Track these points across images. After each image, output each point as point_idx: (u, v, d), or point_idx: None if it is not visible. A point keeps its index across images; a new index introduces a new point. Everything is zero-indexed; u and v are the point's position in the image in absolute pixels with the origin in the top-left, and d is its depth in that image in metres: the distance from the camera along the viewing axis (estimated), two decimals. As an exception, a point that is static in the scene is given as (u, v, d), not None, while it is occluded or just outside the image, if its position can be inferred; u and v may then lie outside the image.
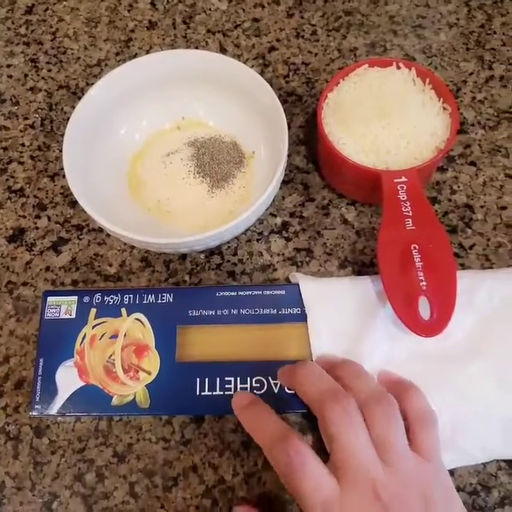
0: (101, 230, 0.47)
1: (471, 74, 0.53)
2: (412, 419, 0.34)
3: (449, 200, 0.48)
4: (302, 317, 0.40)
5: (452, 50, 0.55)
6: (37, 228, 0.48)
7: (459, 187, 0.48)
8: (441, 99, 0.44)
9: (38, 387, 0.39)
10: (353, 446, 0.31)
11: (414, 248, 0.38)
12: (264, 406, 0.35)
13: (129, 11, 0.60)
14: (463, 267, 0.45)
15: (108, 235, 0.47)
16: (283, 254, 0.46)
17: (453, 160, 0.49)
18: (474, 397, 0.38)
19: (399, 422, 0.33)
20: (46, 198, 0.50)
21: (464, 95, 0.52)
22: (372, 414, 0.32)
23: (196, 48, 0.57)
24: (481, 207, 0.47)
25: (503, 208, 0.47)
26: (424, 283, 0.37)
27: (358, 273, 0.45)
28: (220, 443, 0.40)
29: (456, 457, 0.37)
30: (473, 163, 0.49)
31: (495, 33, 0.56)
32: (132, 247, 0.47)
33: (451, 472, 0.38)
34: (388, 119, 0.43)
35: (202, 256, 0.46)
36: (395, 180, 0.41)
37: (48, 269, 0.46)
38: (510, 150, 0.49)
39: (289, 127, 0.42)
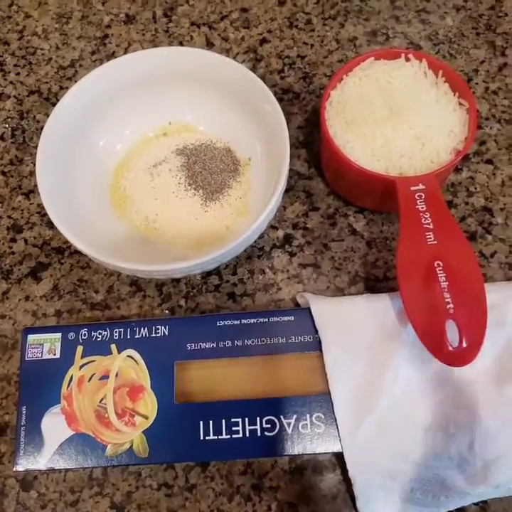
0: (84, 252, 0.43)
1: (483, 62, 0.49)
2: None
3: (466, 203, 0.44)
4: (315, 345, 0.36)
5: (461, 35, 0.50)
6: (13, 253, 0.44)
7: (475, 188, 0.44)
8: (457, 93, 0.40)
9: (22, 439, 0.35)
10: None
11: (438, 265, 0.34)
12: None
13: (103, 3, 0.55)
14: (485, 277, 0.41)
15: (92, 258, 0.43)
16: (287, 271, 0.42)
17: (468, 158, 0.45)
18: (509, 425, 0.34)
19: None
20: (22, 218, 0.45)
21: (476, 86, 0.48)
22: None
23: (180, 43, 0.52)
24: (501, 209, 0.43)
25: (525, 209, 0.43)
26: (450, 305, 0.33)
27: (372, 289, 0.41)
28: (228, 487, 0.36)
29: (487, 490, 0.34)
30: (489, 161, 0.45)
31: (506, 15, 0.51)
32: (120, 271, 0.42)
33: (483, 507, 0.35)
34: (399, 118, 0.38)
35: (198, 277, 0.42)
36: (412, 188, 0.36)
37: (27, 298, 0.42)
38: (530, 145, 0.46)
39: (287, 128, 0.38)
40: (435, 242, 0.35)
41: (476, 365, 0.34)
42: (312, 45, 0.51)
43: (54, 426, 0.35)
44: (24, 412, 0.36)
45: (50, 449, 0.35)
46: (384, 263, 0.42)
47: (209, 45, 0.52)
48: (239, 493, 0.36)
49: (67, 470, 0.37)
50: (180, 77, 0.43)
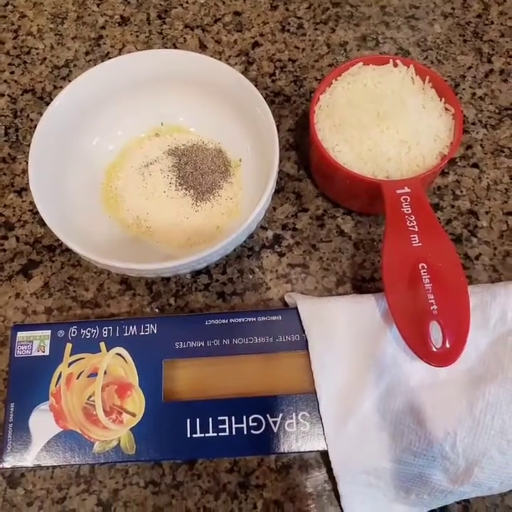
0: (75, 250, 0.43)
1: (470, 68, 0.50)
2: None
3: (452, 206, 0.44)
4: (302, 344, 0.37)
5: (448, 42, 0.51)
6: (4, 250, 0.44)
7: (461, 192, 0.45)
8: (443, 99, 0.40)
9: (9, 436, 0.35)
10: None
11: (423, 267, 0.35)
12: None
13: (98, 5, 0.55)
14: (470, 279, 0.42)
15: (83, 256, 0.43)
16: (276, 271, 0.42)
17: (454, 162, 0.46)
18: (492, 426, 0.34)
19: None
20: (13, 215, 0.45)
21: (463, 91, 0.49)
22: None
23: (173, 44, 0.52)
24: (486, 213, 0.44)
25: (509, 213, 0.44)
26: (434, 307, 0.33)
27: (358, 289, 0.42)
28: (215, 484, 0.37)
29: (470, 489, 0.34)
30: (475, 165, 0.46)
31: (492, 23, 0.52)
32: (110, 269, 0.43)
33: (466, 506, 0.35)
34: (387, 123, 0.39)
35: (188, 276, 0.42)
36: (398, 192, 0.37)
37: (17, 295, 0.42)
38: (515, 150, 0.46)
39: (278, 130, 0.38)
40: (420, 244, 0.35)
41: (460, 365, 0.35)
42: (303, 49, 0.52)
43: (42, 423, 0.35)
44: (12, 408, 0.36)
45: (37, 445, 0.35)
46: (371, 264, 0.42)
47: (202, 47, 0.52)
48: (225, 490, 0.36)
49: (54, 467, 0.37)
50: (173, 79, 0.43)
